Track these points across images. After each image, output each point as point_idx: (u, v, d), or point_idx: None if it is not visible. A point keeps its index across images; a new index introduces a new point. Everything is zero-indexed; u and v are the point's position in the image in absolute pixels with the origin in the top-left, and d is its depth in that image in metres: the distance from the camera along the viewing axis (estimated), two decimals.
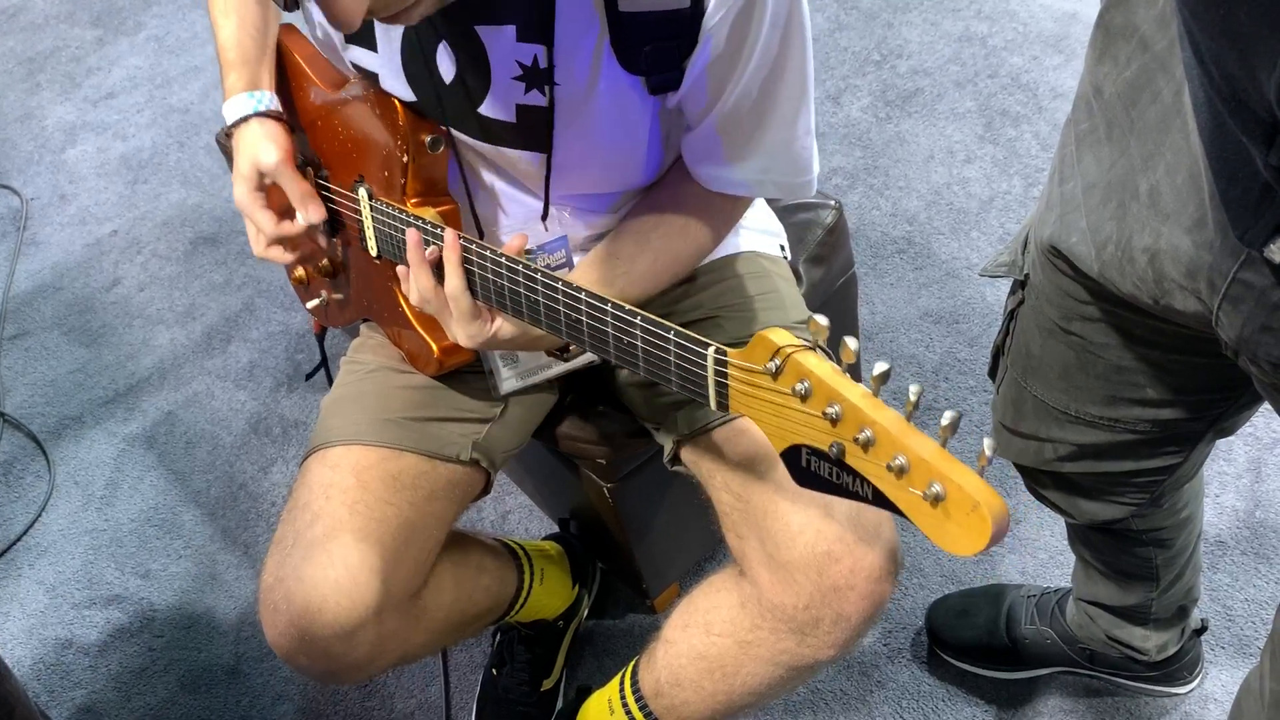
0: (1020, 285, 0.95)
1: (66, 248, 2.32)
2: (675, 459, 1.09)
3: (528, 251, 1.00)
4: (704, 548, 1.55)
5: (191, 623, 1.65)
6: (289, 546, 0.99)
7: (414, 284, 0.92)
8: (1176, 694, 1.33)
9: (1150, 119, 0.74)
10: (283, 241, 1.04)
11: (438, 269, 0.91)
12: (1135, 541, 1.13)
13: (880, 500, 0.61)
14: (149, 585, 1.71)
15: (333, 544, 0.97)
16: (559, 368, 1.10)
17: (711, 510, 1.04)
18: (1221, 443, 1.48)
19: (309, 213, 1.00)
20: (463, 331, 0.92)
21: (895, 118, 2.12)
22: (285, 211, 1.03)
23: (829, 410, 0.61)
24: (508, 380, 1.10)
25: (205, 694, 1.56)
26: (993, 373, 1.05)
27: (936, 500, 0.57)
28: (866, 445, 0.60)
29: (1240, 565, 1.43)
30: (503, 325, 0.92)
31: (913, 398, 0.58)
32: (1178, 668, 1.30)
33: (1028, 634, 1.34)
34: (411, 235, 0.90)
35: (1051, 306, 0.90)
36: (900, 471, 0.58)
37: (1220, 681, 1.35)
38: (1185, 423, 0.92)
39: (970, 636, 1.38)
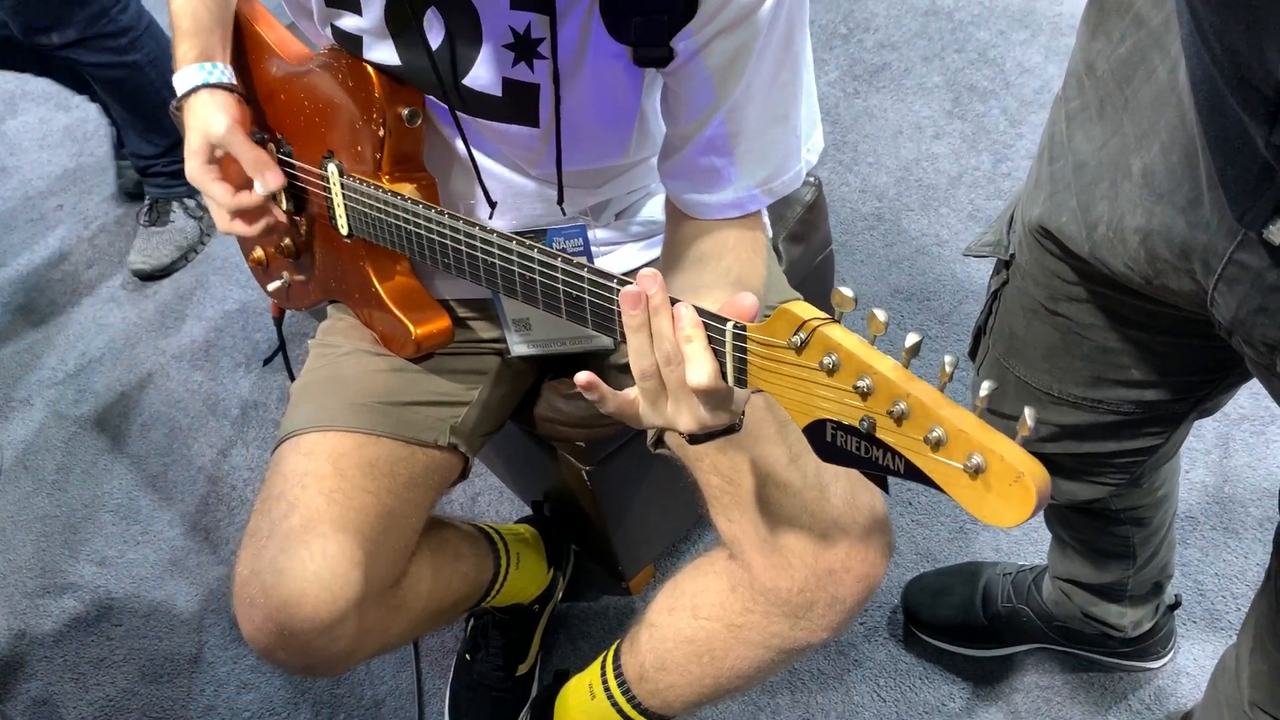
0: (1005, 265, 0.94)
1: (8, 222, 2.24)
2: (659, 442, 1.08)
3: (542, 232, 0.97)
4: (680, 529, 1.54)
5: (151, 611, 1.60)
6: (264, 538, 0.96)
7: (640, 353, 0.72)
8: (1150, 669, 1.35)
9: (1144, 97, 0.73)
10: (243, 215, 0.99)
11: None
12: (1113, 520, 1.13)
13: (913, 474, 0.60)
14: (105, 573, 1.66)
15: (311, 535, 0.94)
16: (570, 346, 1.08)
17: (698, 493, 1.02)
18: None
19: (265, 180, 0.95)
20: (708, 416, 0.72)
21: (863, 92, 2.11)
22: (245, 184, 0.98)
23: (859, 384, 0.60)
24: (518, 345, 1.09)
25: (167, 684, 1.52)
26: (973, 353, 1.04)
27: (977, 472, 0.55)
28: (900, 418, 0.58)
29: (1210, 540, 1.45)
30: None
31: (948, 369, 0.56)
32: (1152, 643, 1.32)
33: (1004, 612, 1.34)
34: (627, 297, 0.70)
35: (1037, 287, 0.90)
36: (937, 444, 0.57)
37: (1192, 655, 1.37)
38: (1169, 404, 0.91)
39: (947, 615, 1.38)
